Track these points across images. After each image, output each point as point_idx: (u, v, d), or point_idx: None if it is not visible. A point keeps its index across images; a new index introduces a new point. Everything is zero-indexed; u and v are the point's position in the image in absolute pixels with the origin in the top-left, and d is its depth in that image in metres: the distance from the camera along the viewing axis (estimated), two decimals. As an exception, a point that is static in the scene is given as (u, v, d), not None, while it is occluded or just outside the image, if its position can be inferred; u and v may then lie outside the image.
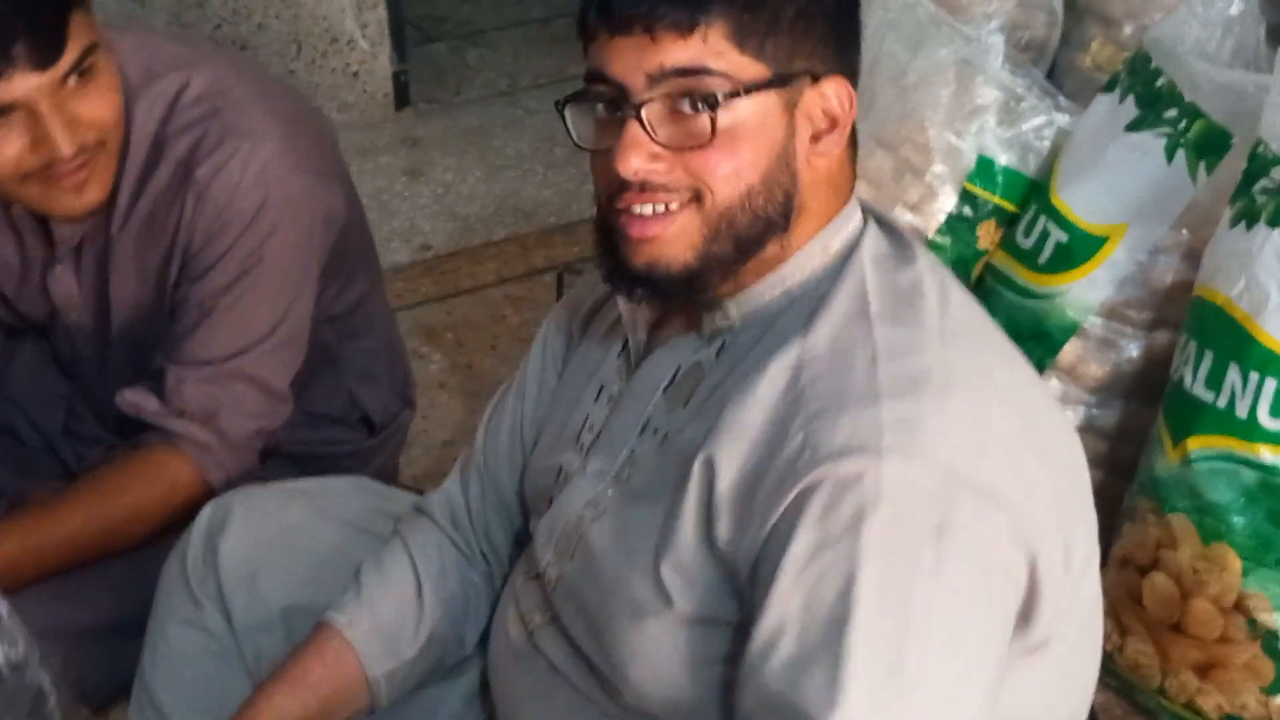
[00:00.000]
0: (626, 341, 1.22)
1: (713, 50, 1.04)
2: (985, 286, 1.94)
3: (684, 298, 1.12)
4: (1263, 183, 1.58)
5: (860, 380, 1.01)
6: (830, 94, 1.08)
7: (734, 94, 1.04)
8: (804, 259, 1.11)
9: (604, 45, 1.06)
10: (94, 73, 1.43)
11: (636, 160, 1.05)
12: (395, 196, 2.97)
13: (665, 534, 1.07)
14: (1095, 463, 1.83)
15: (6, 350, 1.79)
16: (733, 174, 1.05)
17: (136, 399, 1.59)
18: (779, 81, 1.06)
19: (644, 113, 1.04)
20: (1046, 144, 1.91)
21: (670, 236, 1.07)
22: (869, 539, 0.96)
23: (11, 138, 1.40)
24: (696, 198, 1.06)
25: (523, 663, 1.25)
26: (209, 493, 1.56)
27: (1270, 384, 1.55)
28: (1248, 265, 1.57)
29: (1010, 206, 1.93)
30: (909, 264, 1.10)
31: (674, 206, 1.06)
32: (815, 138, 1.09)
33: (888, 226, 1.15)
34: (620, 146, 1.05)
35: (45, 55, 1.36)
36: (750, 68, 1.05)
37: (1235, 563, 1.58)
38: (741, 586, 1.04)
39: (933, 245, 1.92)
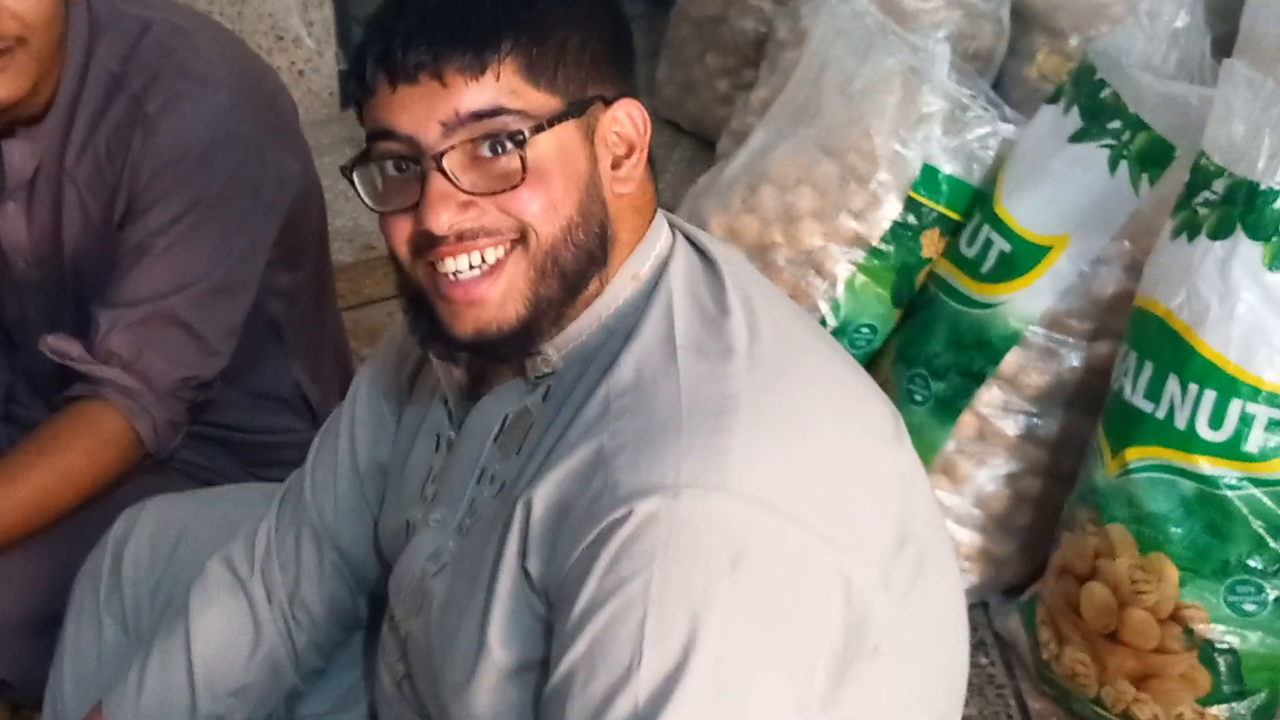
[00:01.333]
0: None
1: (507, 89, 1.00)
2: (928, 294, 1.95)
3: (518, 355, 1.08)
4: (1204, 195, 1.60)
5: (662, 414, 0.98)
6: (623, 117, 1.05)
7: (537, 129, 1.00)
8: (616, 289, 1.07)
9: (387, 98, 1.00)
10: None
11: (447, 214, 1.00)
12: (339, 196, 2.92)
13: (491, 580, 1.04)
14: (1035, 471, 1.84)
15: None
16: (550, 208, 1.01)
17: (61, 344, 1.54)
18: (575, 110, 1.02)
19: (445, 163, 1.00)
20: (991, 154, 1.92)
21: (499, 295, 1.02)
22: (659, 581, 0.93)
23: None
24: (521, 239, 1.02)
25: (396, 709, 1.22)
26: (137, 443, 1.53)
27: (1209, 395, 1.56)
28: (1188, 277, 1.58)
29: (954, 215, 1.93)
30: (717, 285, 1.07)
31: (499, 254, 1.02)
32: (615, 164, 1.05)
33: (697, 244, 1.11)
34: (427, 202, 1.00)
35: None
36: (546, 101, 1.01)
37: (1173, 573, 1.58)
38: (551, 624, 1.01)
39: (876, 253, 1.92)
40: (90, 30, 1.52)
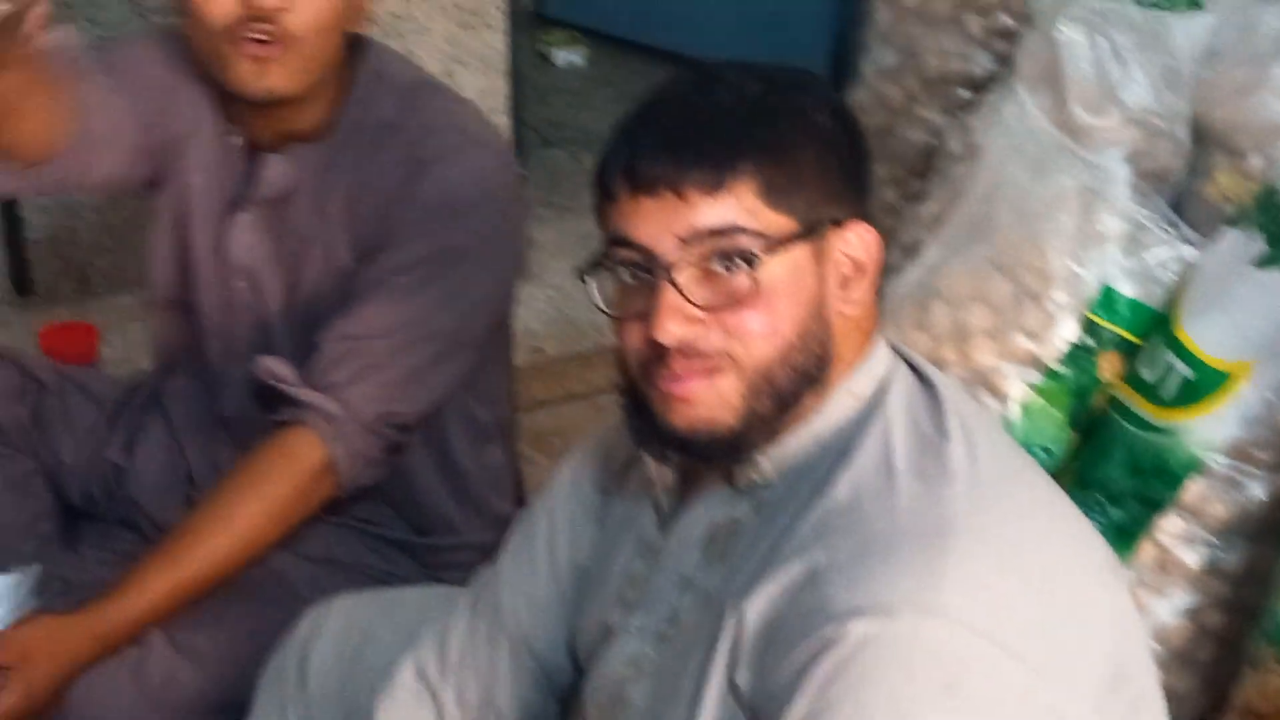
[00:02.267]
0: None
1: (744, 208, 1.02)
2: (1106, 418, 1.91)
3: (728, 460, 1.09)
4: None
5: (879, 534, 0.99)
6: (854, 239, 1.07)
7: (770, 250, 1.02)
8: (834, 406, 1.08)
9: (628, 207, 1.04)
10: None
11: (676, 326, 1.02)
12: (509, 299, 3.01)
13: (696, 692, 1.04)
14: (1218, 605, 1.79)
15: (130, 441, 1.82)
16: (771, 332, 1.03)
17: (274, 365, 1.60)
18: (807, 233, 1.04)
19: (678, 276, 1.02)
20: (1171, 276, 1.89)
21: (711, 399, 1.04)
22: (870, 704, 0.93)
23: None
24: (735, 359, 1.04)
25: None
26: (331, 470, 1.55)
27: (1405, 534, 1.50)
28: (1383, 411, 1.53)
29: (1133, 338, 1.90)
30: (936, 409, 1.07)
31: (714, 368, 1.04)
32: (843, 284, 1.07)
33: (915, 366, 1.12)
34: (658, 313, 1.02)
35: None
36: (780, 222, 1.03)
37: (1366, 719, 1.52)
38: None
39: (1052, 374, 1.90)
40: (372, 77, 1.61)
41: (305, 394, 1.57)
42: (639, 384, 1.06)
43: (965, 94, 2.68)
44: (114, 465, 1.85)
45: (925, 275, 2.03)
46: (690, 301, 1.02)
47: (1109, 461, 1.87)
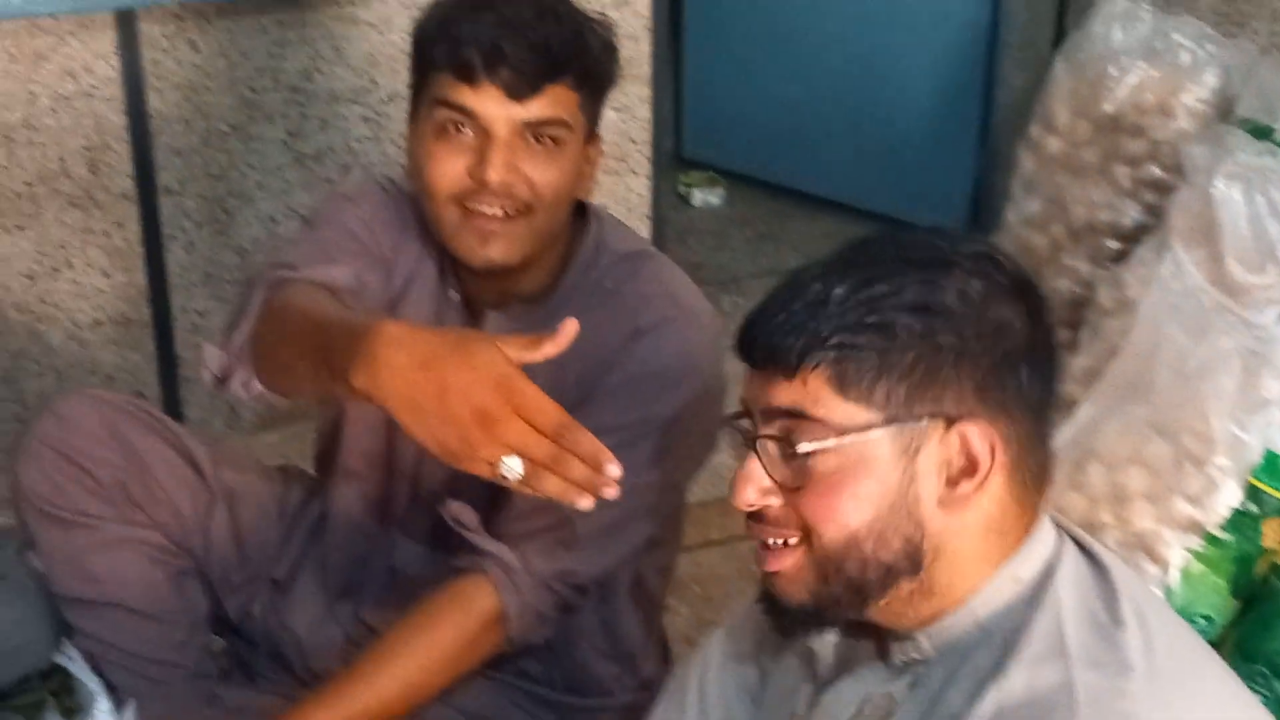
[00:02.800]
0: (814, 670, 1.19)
1: (812, 395, 1.04)
2: (1270, 586, 1.84)
3: (809, 629, 1.13)
4: None
5: None
6: (972, 437, 1.04)
7: (832, 439, 1.03)
8: (994, 590, 1.06)
9: (748, 372, 1.10)
10: (558, 145, 1.55)
11: (749, 492, 1.07)
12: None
13: None
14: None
15: (295, 566, 1.84)
16: (832, 519, 1.04)
17: (462, 513, 1.62)
18: (890, 425, 1.04)
19: (759, 445, 1.06)
20: (1340, 442, 1.83)
21: (788, 573, 1.07)
22: None
23: (460, 150, 1.53)
24: (806, 539, 1.06)
25: None
26: (502, 622, 1.56)
27: None
28: None
29: (1300, 505, 1.84)
30: (1109, 593, 1.05)
31: (791, 542, 1.06)
32: (952, 482, 1.05)
33: (1086, 547, 1.10)
34: (737, 476, 1.07)
35: (517, 89, 1.51)
36: (856, 413, 1.04)
37: None
38: None
39: (1214, 540, 1.84)
40: (596, 246, 1.64)
41: (487, 542, 1.58)
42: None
43: (1113, 244, 2.65)
44: (274, 582, 1.86)
45: (1080, 434, 1.99)
46: (766, 471, 1.06)
47: (1274, 633, 1.79)
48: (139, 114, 2.59)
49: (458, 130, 1.54)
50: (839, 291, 1.05)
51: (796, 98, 4.11)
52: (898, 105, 3.90)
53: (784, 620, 1.11)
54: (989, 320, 1.07)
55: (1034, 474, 1.09)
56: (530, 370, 1.59)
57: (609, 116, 3.08)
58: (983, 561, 1.07)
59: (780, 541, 1.06)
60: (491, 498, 1.64)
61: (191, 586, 1.81)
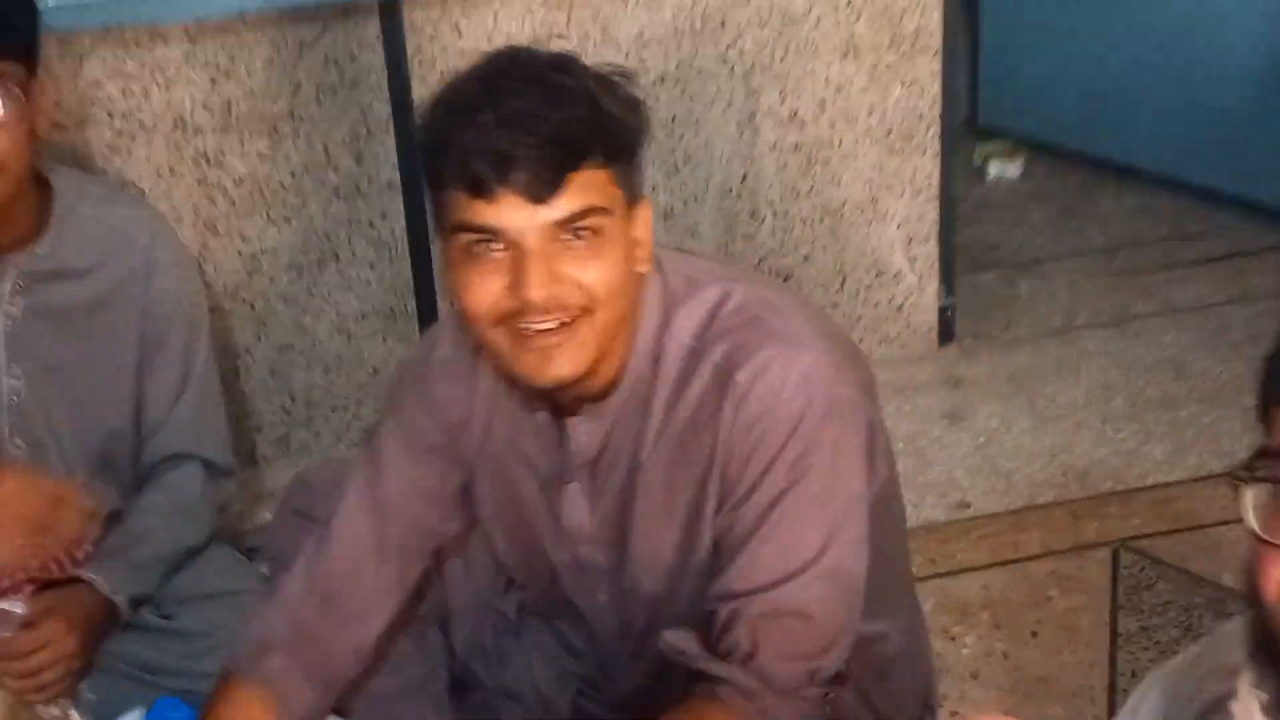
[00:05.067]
0: None
1: None
2: None
3: None
4: None
5: None
6: None
7: None
8: None
9: None
10: (600, 235, 1.35)
11: None
12: (932, 443, 2.78)
13: None
14: None
15: (517, 623, 1.73)
16: None
17: (677, 640, 1.45)
18: None
19: None
20: None
21: None
22: None
23: (495, 271, 1.34)
24: None
25: None
26: None
27: None
28: None
29: None
30: None
31: None
32: None
33: None
34: None
35: (538, 190, 1.31)
36: None
37: None
38: None
39: None
40: (664, 303, 1.46)
41: (718, 669, 1.41)
42: (1274, 625, 0.88)
43: None
44: (503, 615, 1.75)
45: None
46: None
47: None
48: (402, 103, 2.52)
49: (487, 249, 1.35)
50: None
51: (1105, 60, 3.78)
52: (1220, 70, 3.52)
53: None
54: None
55: None
56: (678, 491, 1.47)
57: (895, 94, 2.88)
58: None
59: None
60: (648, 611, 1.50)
61: (432, 635, 1.75)
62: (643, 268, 1.43)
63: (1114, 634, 2.25)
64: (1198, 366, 2.97)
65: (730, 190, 2.86)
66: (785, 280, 2.93)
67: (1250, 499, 0.89)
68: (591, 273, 1.35)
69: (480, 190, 1.32)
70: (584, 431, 1.50)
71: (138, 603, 2.03)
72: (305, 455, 2.72)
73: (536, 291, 1.33)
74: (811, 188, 2.91)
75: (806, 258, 2.95)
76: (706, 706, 1.42)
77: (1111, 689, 2.17)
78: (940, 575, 2.38)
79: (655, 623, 1.52)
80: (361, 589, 1.58)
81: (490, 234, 1.33)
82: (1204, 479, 2.58)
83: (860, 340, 2.98)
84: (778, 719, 1.41)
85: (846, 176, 2.91)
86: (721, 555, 1.44)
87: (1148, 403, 2.85)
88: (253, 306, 2.64)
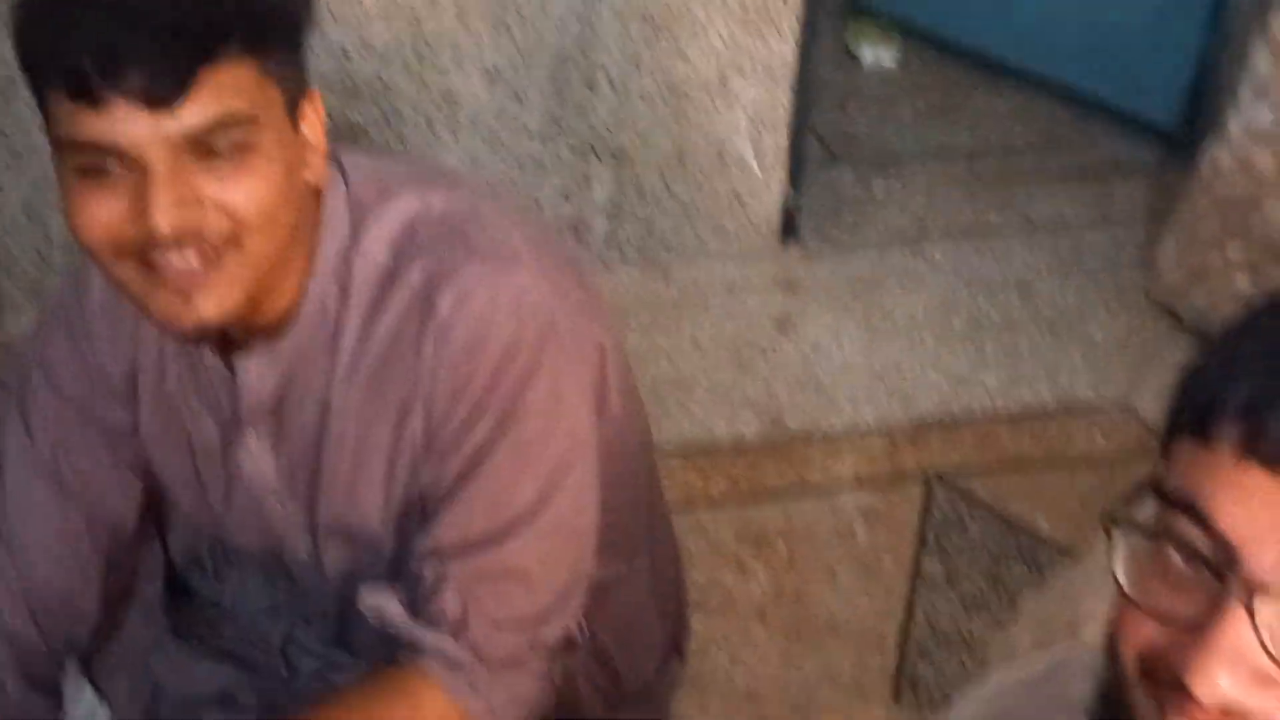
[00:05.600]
0: None
1: None
2: None
3: None
4: None
5: None
6: None
7: None
8: None
9: (1226, 474, 0.68)
10: (247, 152, 1.10)
11: (1220, 679, 0.66)
12: (755, 352, 2.58)
13: None
14: None
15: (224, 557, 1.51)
16: None
17: (378, 602, 1.26)
18: None
19: (1262, 606, 0.66)
20: None
21: None
22: None
23: (113, 193, 1.08)
24: None
25: None
26: None
27: None
28: None
29: None
30: None
31: None
32: None
33: None
34: (1202, 644, 0.67)
35: (158, 93, 1.05)
36: None
37: None
38: None
39: None
40: (351, 217, 1.22)
41: (423, 637, 1.23)
42: (1127, 692, 0.73)
43: (1361, 178, 2.11)
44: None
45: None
46: (1267, 650, 0.66)
47: None
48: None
49: (104, 168, 1.08)
50: None
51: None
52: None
53: None
54: None
55: None
56: (376, 434, 1.25)
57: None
58: None
59: None
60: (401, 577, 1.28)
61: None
62: (315, 177, 1.18)
63: (915, 575, 2.10)
64: (1046, 290, 2.79)
65: (566, 56, 2.59)
66: (617, 160, 2.69)
67: (1122, 546, 0.72)
68: (238, 193, 1.09)
69: (85, 96, 1.04)
70: (255, 373, 1.26)
71: None
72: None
73: (164, 220, 1.07)
74: (656, 61, 2.65)
75: (643, 137, 2.71)
76: (410, 680, 1.23)
77: (903, 637, 2.03)
78: (741, 500, 2.20)
79: (361, 577, 1.31)
80: (56, 572, 1.37)
81: (103, 151, 1.06)
82: (1035, 414, 2.43)
83: (695, 233, 2.77)
84: (490, 697, 1.23)
85: (694, 52, 2.65)
86: (428, 508, 1.24)
87: (988, 325, 2.68)
88: (5, 134, 2.34)
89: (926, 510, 2.20)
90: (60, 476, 1.34)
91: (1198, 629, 0.68)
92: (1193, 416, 0.70)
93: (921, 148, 3.37)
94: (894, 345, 2.60)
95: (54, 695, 1.39)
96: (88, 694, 1.54)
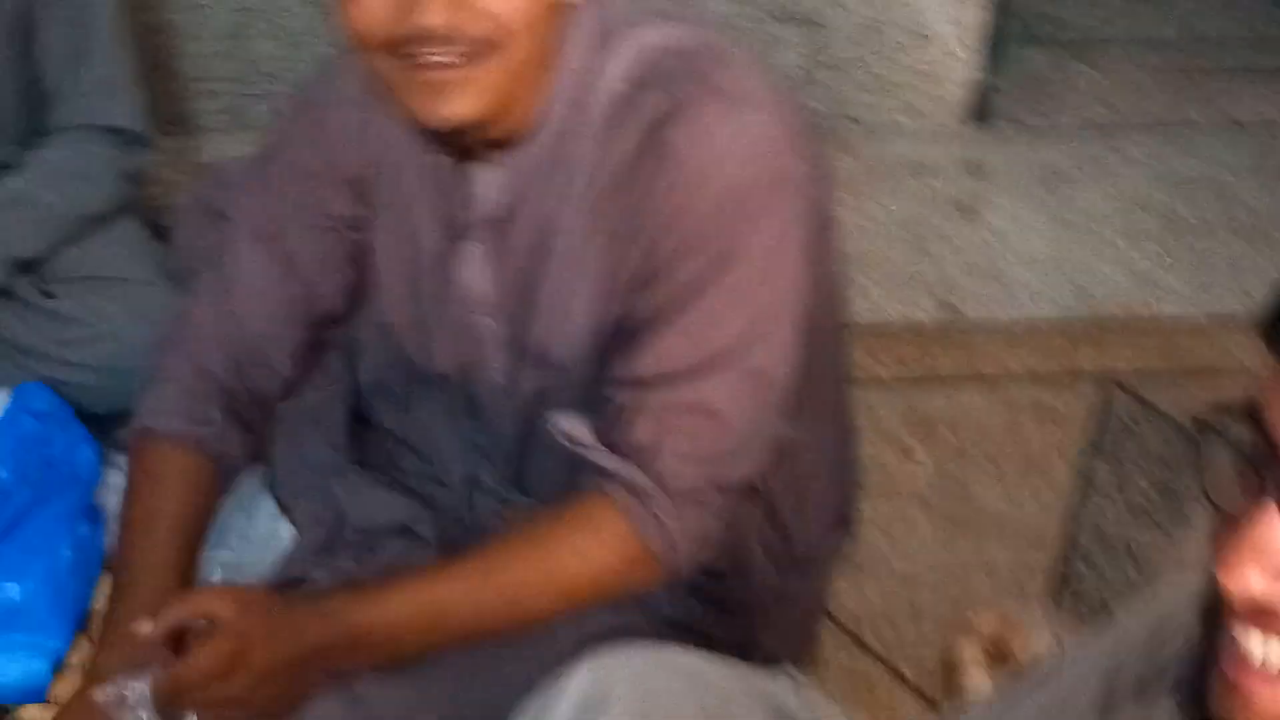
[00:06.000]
0: None
1: None
2: None
3: None
4: None
5: None
6: None
7: None
8: None
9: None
10: None
11: (1251, 577, 0.67)
12: (934, 234, 2.51)
13: None
14: None
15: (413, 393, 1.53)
16: None
17: (569, 426, 1.29)
18: None
19: None
20: None
21: None
22: None
23: None
24: None
25: None
26: (647, 557, 1.25)
27: None
28: None
29: None
30: None
31: None
32: None
33: None
34: (1237, 540, 0.68)
35: None
36: None
37: None
38: None
39: None
40: (595, 42, 1.22)
41: (612, 463, 1.24)
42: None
43: None
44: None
45: None
46: None
47: None
48: None
49: None
50: None
51: None
52: None
53: None
54: None
55: None
56: (598, 260, 1.26)
57: None
58: None
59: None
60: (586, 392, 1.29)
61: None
62: None
63: (1084, 478, 2.06)
64: (1244, 193, 2.68)
65: (766, -88, 2.53)
66: (809, 28, 2.62)
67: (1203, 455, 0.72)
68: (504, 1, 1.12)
69: None
70: (487, 183, 1.28)
71: (23, 267, 1.86)
72: (255, 132, 2.48)
73: (433, 17, 1.10)
74: (858, -76, 2.57)
75: (839, 3, 2.63)
76: (593, 504, 1.25)
77: (1067, 539, 2.00)
78: (910, 384, 2.17)
79: (551, 406, 1.33)
80: (266, 325, 1.42)
81: None
82: (1222, 324, 2.34)
83: (884, 108, 2.70)
84: (670, 528, 1.23)
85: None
86: (631, 337, 1.25)
87: (1180, 226, 2.58)
88: (207, -42, 2.36)
89: (1102, 413, 2.15)
90: (279, 246, 1.39)
91: (1235, 526, 0.68)
92: (1266, 328, 0.71)
93: (1125, 34, 3.23)
94: (1079, 239, 2.52)
95: (250, 433, 1.44)
96: (271, 507, 1.58)
